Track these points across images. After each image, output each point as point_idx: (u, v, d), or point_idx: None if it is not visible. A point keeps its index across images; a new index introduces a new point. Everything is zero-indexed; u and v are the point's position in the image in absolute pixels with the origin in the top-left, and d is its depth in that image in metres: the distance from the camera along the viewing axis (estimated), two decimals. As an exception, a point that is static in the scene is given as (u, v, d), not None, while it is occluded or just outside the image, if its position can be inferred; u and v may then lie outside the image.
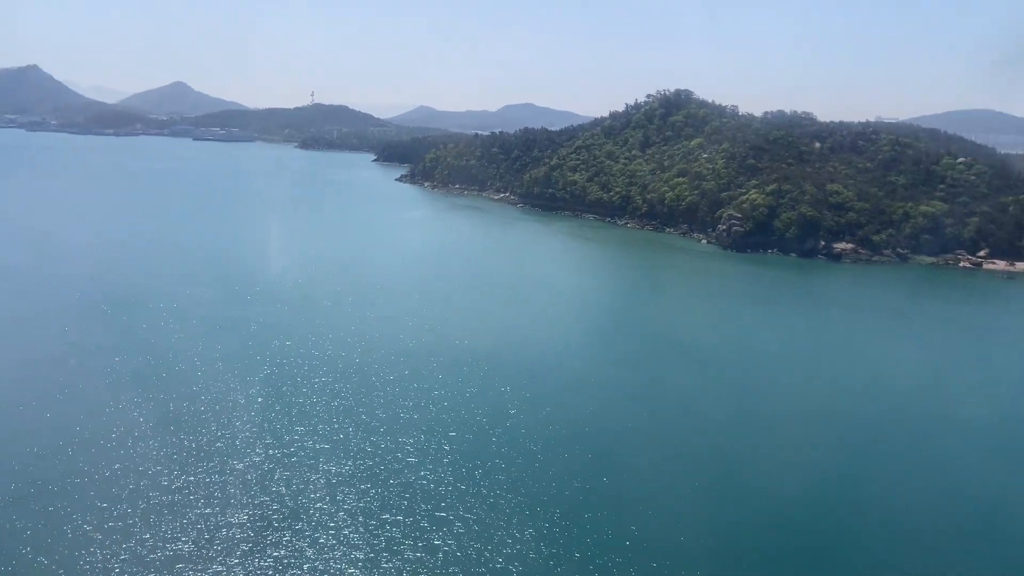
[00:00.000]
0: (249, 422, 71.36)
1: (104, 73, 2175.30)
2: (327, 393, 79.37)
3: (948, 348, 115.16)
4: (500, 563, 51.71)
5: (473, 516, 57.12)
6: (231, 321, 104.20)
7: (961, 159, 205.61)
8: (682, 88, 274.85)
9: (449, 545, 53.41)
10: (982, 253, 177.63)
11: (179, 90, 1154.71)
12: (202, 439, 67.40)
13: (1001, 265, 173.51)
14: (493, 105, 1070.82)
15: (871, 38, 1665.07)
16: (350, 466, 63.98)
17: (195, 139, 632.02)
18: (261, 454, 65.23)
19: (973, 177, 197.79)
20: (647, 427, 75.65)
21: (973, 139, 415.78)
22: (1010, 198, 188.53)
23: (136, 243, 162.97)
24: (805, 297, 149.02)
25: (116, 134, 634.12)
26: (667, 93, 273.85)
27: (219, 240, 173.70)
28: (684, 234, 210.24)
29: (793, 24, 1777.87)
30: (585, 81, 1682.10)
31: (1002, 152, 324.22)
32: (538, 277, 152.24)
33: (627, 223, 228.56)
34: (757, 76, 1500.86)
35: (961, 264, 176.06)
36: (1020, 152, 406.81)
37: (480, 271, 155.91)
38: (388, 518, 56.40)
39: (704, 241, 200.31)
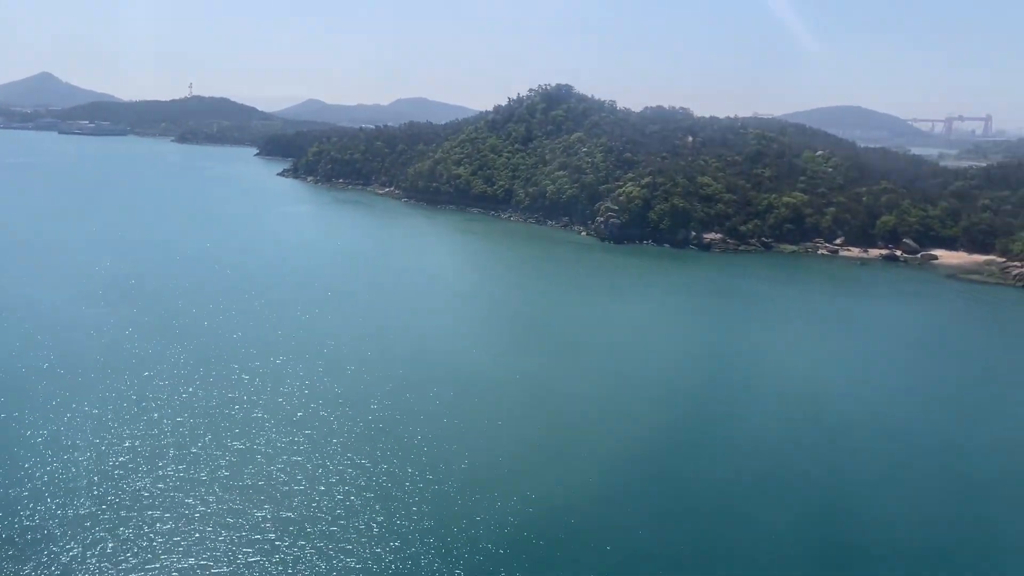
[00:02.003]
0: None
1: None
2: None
3: (800, 328, 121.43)
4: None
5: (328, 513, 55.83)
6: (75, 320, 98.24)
7: (820, 152, 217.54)
8: (563, 83, 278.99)
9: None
10: (838, 241, 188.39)
11: (46, 82, 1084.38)
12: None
13: (855, 252, 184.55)
14: (385, 99, 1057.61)
15: (750, 38, 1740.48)
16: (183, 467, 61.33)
17: (61, 132, 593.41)
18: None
19: (831, 169, 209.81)
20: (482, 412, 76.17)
21: (840, 134, 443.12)
22: (863, 189, 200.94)
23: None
24: (668, 285, 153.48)
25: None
26: (548, 88, 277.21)
27: (60, 233, 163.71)
28: (565, 226, 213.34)
29: (674, 23, 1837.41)
30: (477, 75, 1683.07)
31: (862, 145, 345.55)
32: (416, 269, 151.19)
33: (510, 216, 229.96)
34: (642, 73, 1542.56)
35: (820, 251, 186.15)
36: (880, 145, 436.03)
37: (356, 265, 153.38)
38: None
39: (583, 233, 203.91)
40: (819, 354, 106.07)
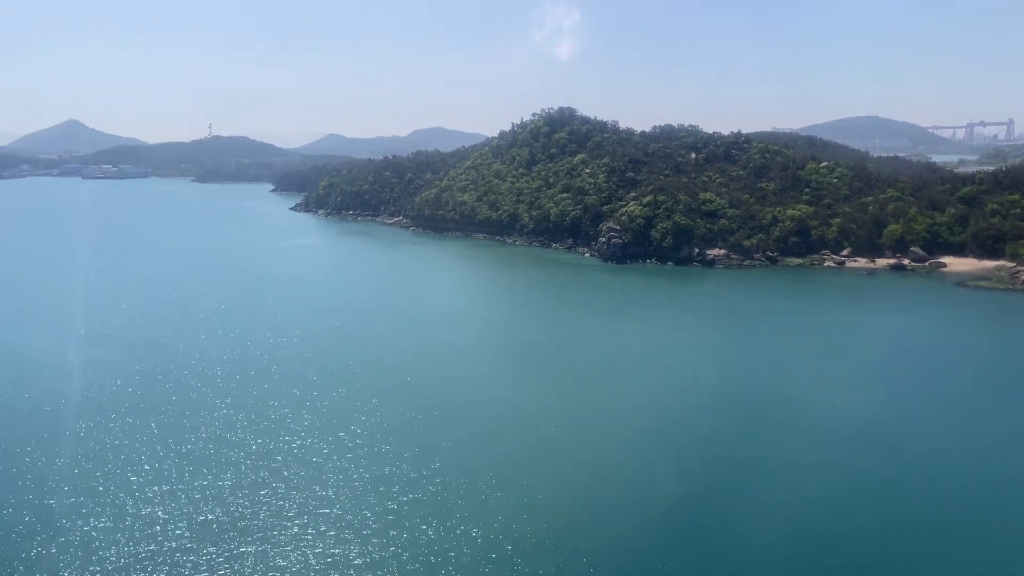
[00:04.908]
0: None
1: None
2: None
3: (808, 343, 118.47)
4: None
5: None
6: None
7: (824, 163, 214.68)
8: (566, 106, 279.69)
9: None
10: (845, 252, 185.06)
11: (73, 128, 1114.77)
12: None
13: (862, 263, 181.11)
14: (403, 131, 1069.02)
15: (767, 52, 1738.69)
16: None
17: (84, 177, 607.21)
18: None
19: (835, 180, 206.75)
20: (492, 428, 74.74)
21: (859, 144, 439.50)
22: (869, 198, 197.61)
23: None
24: (669, 303, 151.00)
25: (0, 177, 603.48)
26: (551, 111, 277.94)
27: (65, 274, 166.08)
28: (569, 248, 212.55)
29: (690, 39, 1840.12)
30: (492, 102, 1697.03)
31: (878, 155, 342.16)
32: (417, 298, 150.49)
33: (515, 240, 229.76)
34: (656, 93, 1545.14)
35: (826, 263, 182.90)
36: (900, 154, 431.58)
37: (359, 294, 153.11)
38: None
39: (587, 254, 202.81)
40: (826, 368, 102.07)
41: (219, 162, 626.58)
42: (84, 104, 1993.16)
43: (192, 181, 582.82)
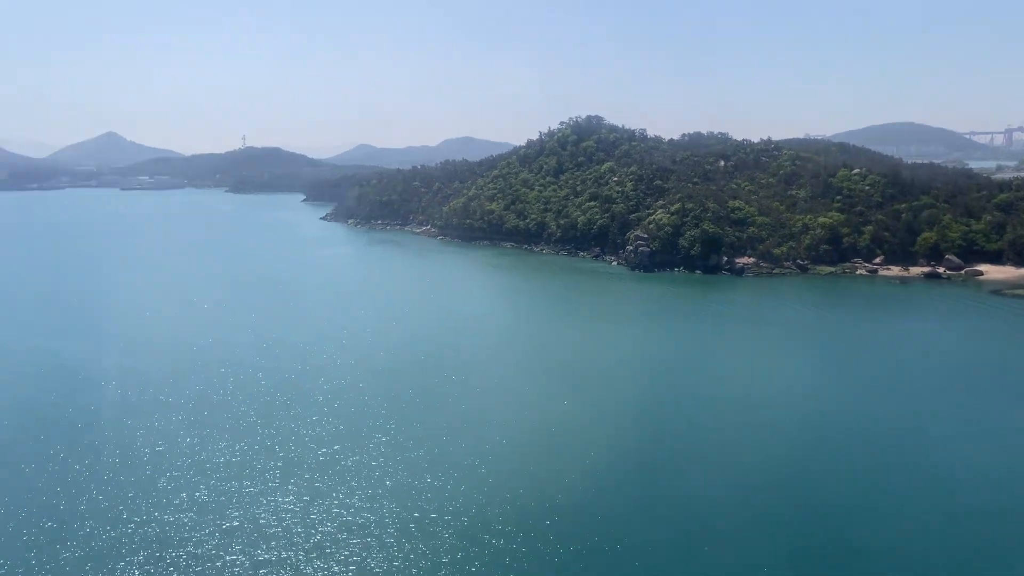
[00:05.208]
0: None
1: (35, 128, 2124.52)
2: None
3: (841, 353, 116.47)
4: None
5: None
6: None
7: (856, 170, 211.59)
8: (593, 114, 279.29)
9: None
10: (877, 260, 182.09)
11: (111, 141, 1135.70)
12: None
13: (895, 271, 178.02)
14: (433, 140, 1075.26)
15: (801, 58, 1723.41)
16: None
17: (122, 189, 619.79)
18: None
19: (868, 187, 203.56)
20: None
21: (893, 151, 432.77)
22: (903, 205, 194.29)
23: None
24: (697, 313, 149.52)
25: (40, 188, 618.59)
26: (579, 120, 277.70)
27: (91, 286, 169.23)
28: (596, 257, 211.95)
29: (722, 43, 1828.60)
30: (520, 110, 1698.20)
31: (912, 161, 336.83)
32: (444, 307, 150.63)
33: (542, 249, 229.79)
34: (689, 100, 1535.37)
35: (858, 272, 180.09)
36: (936, 160, 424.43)
37: (386, 303, 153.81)
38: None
39: (614, 263, 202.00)
40: (861, 379, 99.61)
41: (252, 173, 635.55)
42: (122, 116, 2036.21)
43: (226, 192, 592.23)
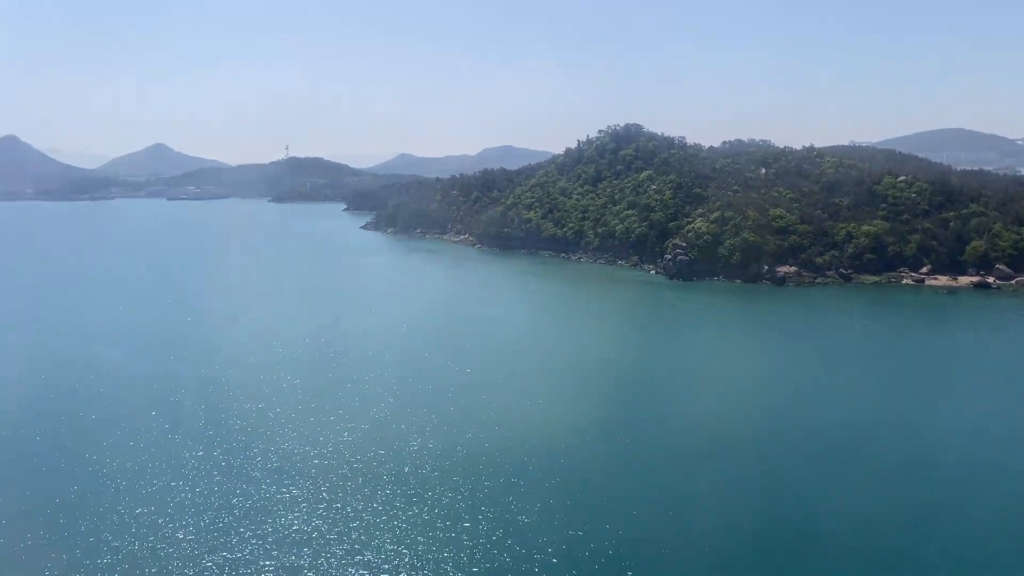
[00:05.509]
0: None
1: (86, 139, 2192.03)
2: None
3: (889, 366, 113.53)
4: None
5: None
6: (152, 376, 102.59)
7: (902, 177, 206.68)
8: (632, 122, 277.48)
9: None
10: (924, 269, 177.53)
11: (159, 151, 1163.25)
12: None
13: (943, 280, 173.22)
14: (473, 149, 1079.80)
15: (849, 62, 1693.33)
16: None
17: (169, 199, 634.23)
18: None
19: (914, 195, 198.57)
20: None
21: (942, 158, 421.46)
22: (951, 213, 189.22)
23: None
24: (736, 323, 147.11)
25: (91, 198, 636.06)
26: (617, 128, 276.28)
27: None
28: (635, 265, 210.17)
29: (769, 48, 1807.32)
30: (560, 119, 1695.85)
31: (961, 168, 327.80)
32: (481, 315, 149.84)
33: (580, 257, 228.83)
34: (730, 107, 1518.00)
35: (904, 281, 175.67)
36: (986, 167, 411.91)
37: (424, 310, 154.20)
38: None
39: (652, 271, 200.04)
40: (907, 393, 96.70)
41: (295, 183, 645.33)
42: (171, 128, 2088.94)
43: (269, 201, 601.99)
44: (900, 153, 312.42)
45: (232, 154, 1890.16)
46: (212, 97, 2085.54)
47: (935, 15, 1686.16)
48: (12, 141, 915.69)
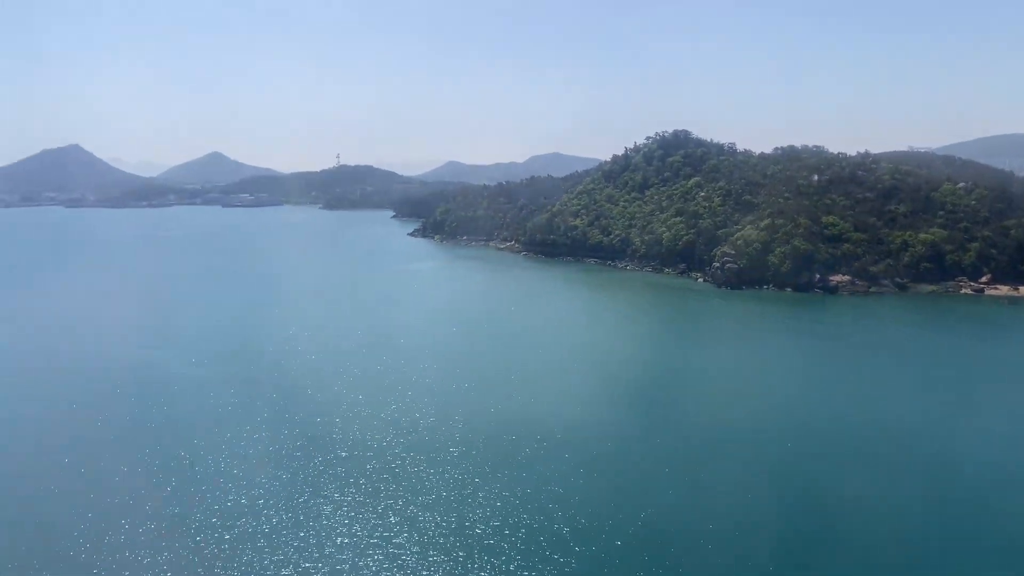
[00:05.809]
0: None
1: (147, 148, 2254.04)
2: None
3: (948, 380, 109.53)
4: None
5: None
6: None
7: (961, 184, 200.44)
8: (680, 128, 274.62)
9: None
10: (984, 279, 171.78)
11: (215, 160, 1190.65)
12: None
13: (1004, 290, 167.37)
14: (521, 157, 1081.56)
15: (905, 67, 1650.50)
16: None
17: (224, 206, 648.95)
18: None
19: (974, 202, 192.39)
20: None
21: (1003, 164, 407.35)
22: (1012, 221, 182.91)
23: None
24: (789, 333, 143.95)
25: (150, 206, 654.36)
26: (665, 134, 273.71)
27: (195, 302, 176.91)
28: (681, 273, 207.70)
29: (823, 54, 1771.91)
30: (608, 126, 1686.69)
31: (1022, 175, 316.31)
32: (527, 323, 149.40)
33: (626, 266, 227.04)
34: (785, 113, 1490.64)
35: (963, 291, 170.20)
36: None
37: (469, 317, 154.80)
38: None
39: (700, 280, 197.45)
40: (965, 408, 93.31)
41: (346, 190, 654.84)
42: (227, 136, 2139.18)
43: (321, 208, 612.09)
44: (959, 159, 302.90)
45: (285, 162, 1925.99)
46: (267, 106, 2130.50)
47: (996, 18, 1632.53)
48: (76, 150, 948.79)
